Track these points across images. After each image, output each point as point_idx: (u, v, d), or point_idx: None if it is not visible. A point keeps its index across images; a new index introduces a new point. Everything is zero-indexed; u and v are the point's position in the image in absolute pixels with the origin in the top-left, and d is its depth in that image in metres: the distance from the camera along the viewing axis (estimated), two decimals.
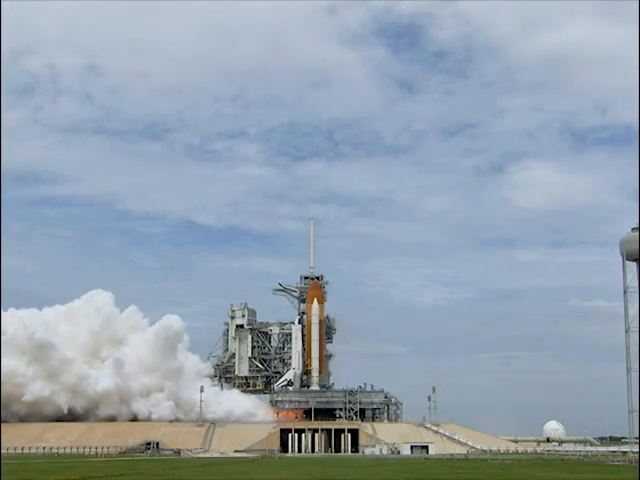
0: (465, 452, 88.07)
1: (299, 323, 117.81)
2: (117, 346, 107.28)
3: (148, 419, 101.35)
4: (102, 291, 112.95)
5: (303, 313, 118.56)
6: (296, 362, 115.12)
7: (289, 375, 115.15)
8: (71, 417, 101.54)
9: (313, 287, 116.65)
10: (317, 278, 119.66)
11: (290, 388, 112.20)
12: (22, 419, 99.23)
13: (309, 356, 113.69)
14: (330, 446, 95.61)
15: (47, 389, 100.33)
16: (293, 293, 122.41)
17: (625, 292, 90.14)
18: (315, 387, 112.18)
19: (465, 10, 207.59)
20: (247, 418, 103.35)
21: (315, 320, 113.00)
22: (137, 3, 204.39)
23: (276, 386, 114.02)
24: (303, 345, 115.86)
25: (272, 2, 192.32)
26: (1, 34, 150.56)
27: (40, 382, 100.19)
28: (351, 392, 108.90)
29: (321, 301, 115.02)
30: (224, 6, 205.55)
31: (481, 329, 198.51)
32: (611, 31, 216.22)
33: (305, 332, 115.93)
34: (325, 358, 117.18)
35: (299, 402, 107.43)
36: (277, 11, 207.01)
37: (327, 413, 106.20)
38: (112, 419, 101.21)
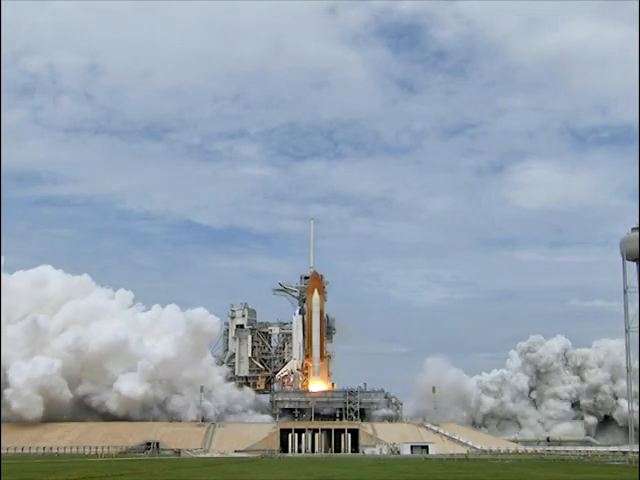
0: (465, 452, 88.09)
1: (300, 314, 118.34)
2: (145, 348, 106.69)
3: (179, 421, 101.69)
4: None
5: (304, 301, 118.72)
6: (297, 353, 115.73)
7: (290, 365, 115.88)
8: (97, 418, 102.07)
9: (313, 279, 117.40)
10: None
11: (291, 378, 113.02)
12: (55, 419, 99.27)
13: (310, 346, 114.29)
14: (330, 446, 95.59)
15: (84, 391, 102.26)
16: (293, 293, 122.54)
17: (625, 292, 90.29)
18: (316, 377, 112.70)
19: (466, 10, 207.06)
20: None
21: (316, 310, 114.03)
22: (137, 3, 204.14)
23: (278, 376, 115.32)
24: (304, 336, 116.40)
25: (272, 2, 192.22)
26: (1, 34, 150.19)
27: (80, 383, 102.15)
28: (351, 392, 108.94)
29: (321, 292, 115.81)
30: (224, 6, 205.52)
31: (481, 329, 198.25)
32: (611, 31, 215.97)
33: (306, 323, 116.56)
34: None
35: (299, 402, 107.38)
36: (277, 11, 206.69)
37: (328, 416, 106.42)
38: (141, 420, 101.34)
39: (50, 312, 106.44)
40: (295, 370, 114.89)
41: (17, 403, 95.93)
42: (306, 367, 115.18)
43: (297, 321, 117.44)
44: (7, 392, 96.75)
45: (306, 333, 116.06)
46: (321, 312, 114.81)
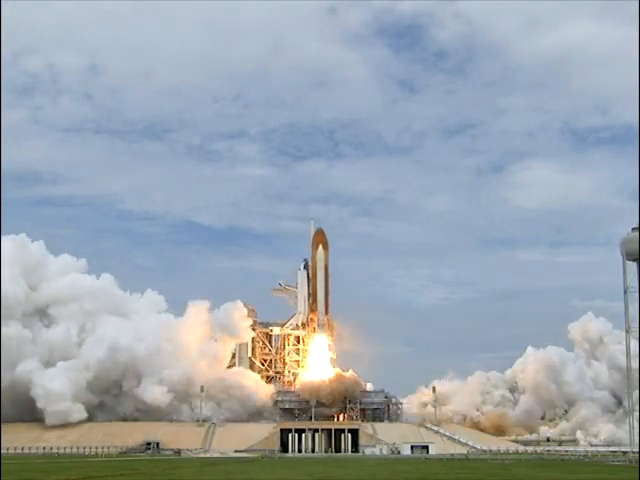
0: (465, 452, 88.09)
1: (304, 269, 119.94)
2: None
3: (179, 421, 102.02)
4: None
5: (307, 262, 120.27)
6: (302, 306, 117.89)
7: (295, 319, 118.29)
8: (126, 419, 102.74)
9: (317, 234, 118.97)
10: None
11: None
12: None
13: (314, 300, 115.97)
14: (330, 446, 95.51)
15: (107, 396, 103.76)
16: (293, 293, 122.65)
17: (625, 292, 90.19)
18: (321, 330, 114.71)
19: (466, 10, 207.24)
20: None
21: (320, 265, 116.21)
22: (137, 3, 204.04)
23: (282, 330, 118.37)
24: (308, 291, 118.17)
25: (273, 2, 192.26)
26: (1, 34, 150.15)
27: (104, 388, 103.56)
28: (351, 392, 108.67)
29: (325, 247, 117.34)
30: (225, 6, 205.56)
31: (482, 329, 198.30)
32: (612, 31, 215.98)
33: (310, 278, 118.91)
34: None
35: (299, 402, 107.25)
36: (278, 11, 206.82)
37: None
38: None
39: (80, 315, 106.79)
40: (300, 324, 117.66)
41: (57, 406, 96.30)
42: (311, 321, 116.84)
43: (302, 276, 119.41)
44: (39, 394, 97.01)
45: (310, 288, 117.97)
46: (325, 266, 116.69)
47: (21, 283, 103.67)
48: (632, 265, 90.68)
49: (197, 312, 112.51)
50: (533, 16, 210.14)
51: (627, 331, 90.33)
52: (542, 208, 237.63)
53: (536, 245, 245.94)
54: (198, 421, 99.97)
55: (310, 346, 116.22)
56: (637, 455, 66.37)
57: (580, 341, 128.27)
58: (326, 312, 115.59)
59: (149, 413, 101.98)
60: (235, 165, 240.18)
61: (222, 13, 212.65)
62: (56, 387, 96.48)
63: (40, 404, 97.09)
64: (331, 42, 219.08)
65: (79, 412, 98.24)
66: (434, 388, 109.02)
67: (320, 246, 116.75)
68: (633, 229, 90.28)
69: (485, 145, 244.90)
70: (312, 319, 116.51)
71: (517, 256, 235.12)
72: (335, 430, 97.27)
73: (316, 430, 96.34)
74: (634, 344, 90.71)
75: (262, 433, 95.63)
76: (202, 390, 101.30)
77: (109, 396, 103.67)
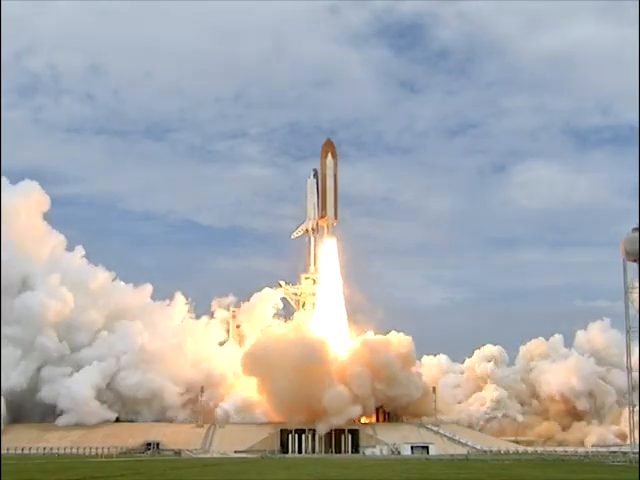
0: (466, 452, 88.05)
1: (314, 177, 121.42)
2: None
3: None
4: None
5: (316, 171, 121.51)
6: (312, 213, 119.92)
7: (306, 225, 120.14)
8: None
9: (327, 144, 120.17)
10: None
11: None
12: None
13: (324, 207, 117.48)
14: (330, 447, 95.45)
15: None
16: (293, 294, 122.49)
17: (626, 292, 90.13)
18: (331, 236, 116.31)
19: (467, 10, 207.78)
20: None
21: (330, 173, 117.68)
22: (138, 3, 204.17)
23: (293, 236, 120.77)
24: (318, 197, 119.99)
25: (274, 2, 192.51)
26: (1, 34, 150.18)
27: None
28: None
29: (334, 156, 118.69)
30: (226, 6, 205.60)
31: (483, 329, 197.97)
32: (614, 31, 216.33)
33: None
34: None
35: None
36: (279, 11, 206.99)
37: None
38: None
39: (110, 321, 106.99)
40: (310, 229, 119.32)
41: (82, 408, 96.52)
42: (320, 227, 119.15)
43: (311, 184, 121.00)
44: (62, 395, 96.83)
45: (320, 195, 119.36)
46: (335, 175, 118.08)
47: (61, 296, 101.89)
48: (632, 265, 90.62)
49: (222, 309, 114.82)
50: (535, 16, 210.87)
51: (627, 331, 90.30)
52: (544, 208, 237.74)
53: (538, 245, 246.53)
54: (197, 422, 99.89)
55: (319, 250, 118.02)
56: (637, 455, 66.38)
57: (587, 349, 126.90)
58: (335, 217, 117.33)
59: (167, 415, 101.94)
60: (236, 165, 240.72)
61: (222, 13, 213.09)
62: (79, 389, 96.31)
63: (63, 405, 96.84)
64: (332, 42, 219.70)
65: (108, 414, 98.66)
66: (434, 388, 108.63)
67: (329, 154, 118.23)
68: (633, 229, 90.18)
69: (487, 145, 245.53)
70: (322, 226, 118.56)
71: (519, 256, 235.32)
72: (335, 431, 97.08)
73: (316, 431, 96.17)
74: (634, 344, 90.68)
75: (262, 434, 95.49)
76: (202, 390, 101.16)
77: (130, 399, 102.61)
